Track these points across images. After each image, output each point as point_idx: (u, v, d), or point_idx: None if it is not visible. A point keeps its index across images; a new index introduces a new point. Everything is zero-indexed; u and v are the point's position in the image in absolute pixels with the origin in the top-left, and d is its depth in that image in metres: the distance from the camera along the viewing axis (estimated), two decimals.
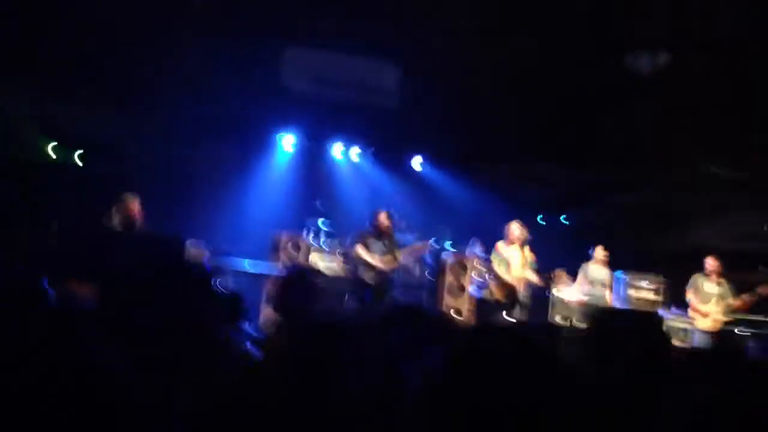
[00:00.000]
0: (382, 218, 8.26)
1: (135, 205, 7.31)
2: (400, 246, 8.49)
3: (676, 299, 9.46)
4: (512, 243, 8.41)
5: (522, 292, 8.37)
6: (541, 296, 10.11)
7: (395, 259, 8.21)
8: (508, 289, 8.31)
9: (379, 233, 8.23)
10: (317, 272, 8.49)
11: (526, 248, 8.49)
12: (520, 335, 2.95)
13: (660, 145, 11.20)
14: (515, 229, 8.43)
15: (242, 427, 1.84)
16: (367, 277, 8.13)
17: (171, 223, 8.55)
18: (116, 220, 7.21)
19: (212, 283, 2.95)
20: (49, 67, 9.08)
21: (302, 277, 5.18)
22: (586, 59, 10.64)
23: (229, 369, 2.26)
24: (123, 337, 2.24)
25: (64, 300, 3.85)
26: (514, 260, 8.37)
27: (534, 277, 8.50)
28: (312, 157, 11.35)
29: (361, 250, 8.16)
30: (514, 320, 8.54)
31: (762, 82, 9.26)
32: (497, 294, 8.39)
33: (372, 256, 8.11)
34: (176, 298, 2.40)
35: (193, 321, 2.37)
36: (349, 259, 9.12)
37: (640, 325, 2.61)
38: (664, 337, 2.58)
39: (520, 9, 9.46)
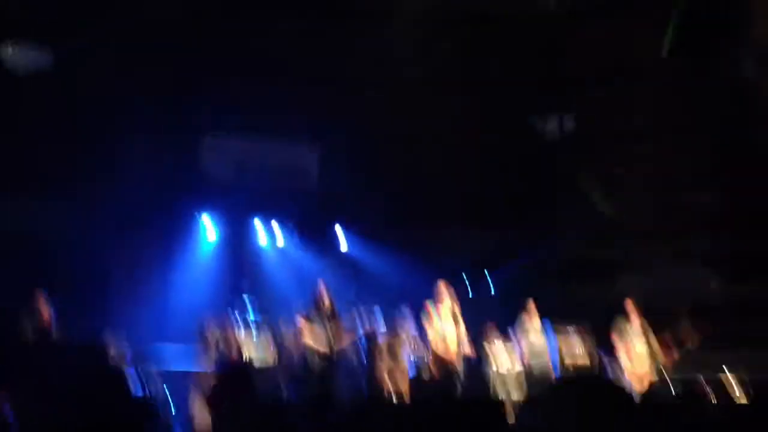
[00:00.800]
0: (324, 297, 7.96)
1: (45, 311, 6.99)
2: (342, 329, 8.25)
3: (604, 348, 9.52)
4: (442, 305, 8.27)
5: (459, 365, 8.25)
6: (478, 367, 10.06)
7: (339, 340, 7.94)
8: (445, 364, 8.19)
9: (320, 313, 7.91)
10: (249, 365, 8.19)
11: (459, 319, 8.47)
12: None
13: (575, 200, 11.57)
14: (443, 289, 8.30)
15: None
16: (310, 362, 7.77)
17: (93, 315, 8.20)
18: (29, 329, 6.89)
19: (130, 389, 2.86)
20: None
21: (234, 373, 4.98)
22: (498, 125, 11.00)
23: None
24: None
25: None
26: (448, 333, 8.26)
27: (469, 349, 8.43)
28: (236, 241, 11.13)
29: (302, 335, 7.82)
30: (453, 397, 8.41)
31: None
32: (434, 370, 8.23)
33: (315, 339, 7.77)
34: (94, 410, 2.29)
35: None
36: (284, 345, 8.83)
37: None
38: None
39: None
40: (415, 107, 10.53)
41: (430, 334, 8.31)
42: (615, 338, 8.97)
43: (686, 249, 11.62)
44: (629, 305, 9.29)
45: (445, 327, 8.26)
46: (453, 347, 8.16)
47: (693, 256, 11.67)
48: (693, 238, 11.42)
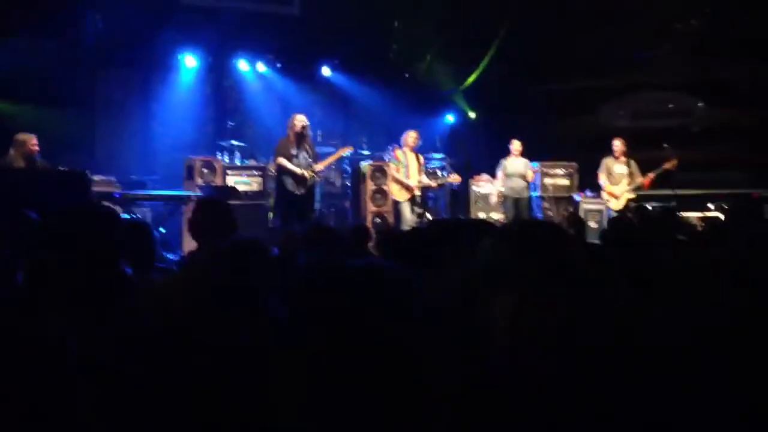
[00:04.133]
0: (300, 121, 7.96)
1: (33, 143, 7.02)
2: (320, 156, 8.34)
3: (589, 183, 9.78)
4: (408, 149, 8.59)
5: (419, 194, 8.62)
6: (459, 194, 10.32)
7: (317, 168, 8.04)
8: (408, 191, 8.54)
9: (299, 139, 7.93)
10: (235, 192, 8.35)
11: (420, 155, 8.79)
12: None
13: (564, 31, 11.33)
14: (410, 137, 8.59)
15: (155, 362, 1.80)
16: (292, 187, 7.90)
17: (75, 156, 8.22)
18: (15, 160, 6.94)
19: (119, 218, 2.83)
20: None
21: (217, 199, 5.06)
22: None
23: (139, 304, 2.19)
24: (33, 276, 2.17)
25: None
26: (411, 165, 8.56)
27: (429, 181, 8.78)
28: (217, 74, 10.95)
29: (283, 161, 7.90)
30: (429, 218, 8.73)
31: None
32: (399, 196, 8.58)
33: (296, 165, 7.89)
34: (82, 236, 2.30)
35: (100, 258, 2.28)
36: (268, 173, 8.97)
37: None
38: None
39: None
40: None
41: (395, 165, 8.62)
42: (599, 169, 9.14)
43: (669, 76, 11.57)
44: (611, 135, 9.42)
45: (409, 161, 8.56)
46: (415, 178, 8.49)
47: (675, 82, 11.65)
48: (676, 65, 11.34)
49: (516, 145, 9.41)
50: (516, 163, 9.43)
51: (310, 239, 3.84)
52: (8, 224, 3.44)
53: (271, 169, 8.61)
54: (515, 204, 9.30)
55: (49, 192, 5.94)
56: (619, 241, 3.82)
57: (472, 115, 12.48)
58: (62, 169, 6.76)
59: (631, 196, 8.98)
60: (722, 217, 8.38)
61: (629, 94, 12.07)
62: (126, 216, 7.16)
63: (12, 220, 3.46)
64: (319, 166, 8.08)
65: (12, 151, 7.00)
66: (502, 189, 9.42)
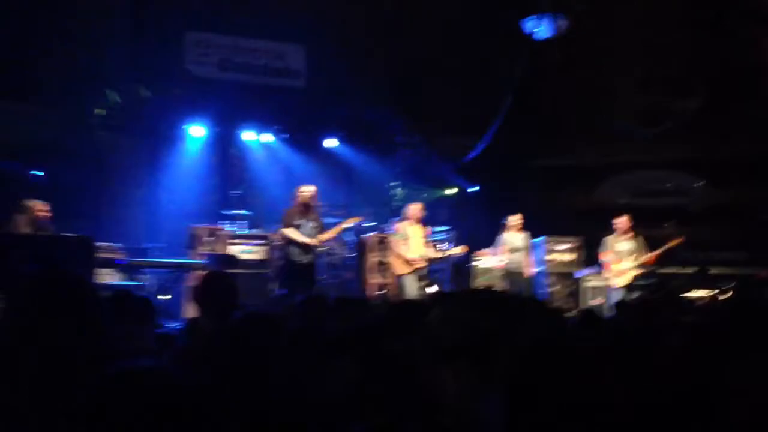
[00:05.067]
0: (306, 191, 8.01)
1: (39, 208, 7.08)
2: (326, 226, 8.35)
3: (590, 259, 9.78)
4: (412, 222, 8.52)
5: (424, 267, 8.50)
6: (462, 267, 10.30)
7: (323, 237, 8.05)
8: (411, 265, 8.44)
9: (305, 209, 7.97)
10: (236, 261, 8.35)
11: (425, 227, 8.71)
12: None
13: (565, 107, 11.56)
14: (415, 209, 8.56)
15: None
16: (297, 257, 7.89)
17: (81, 222, 8.26)
18: (21, 225, 6.98)
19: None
20: None
21: (222, 268, 5.09)
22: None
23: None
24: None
25: None
26: (414, 238, 8.48)
27: (433, 253, 8.68)
28: (223, 144, 11.10)
29: (288, 231, 7.92)
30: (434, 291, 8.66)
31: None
32: (401, 269, 8.46)
33: (301, 235, 7.90)
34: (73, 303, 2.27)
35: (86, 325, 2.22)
36: (272, 243, 8.97)
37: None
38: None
39: None
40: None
41: (397, 238, 8.51)
42: (600, 247, 9.15)
43: (668, 153, 11.74)
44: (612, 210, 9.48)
45: (413, 232, 8.47)
46: (419, 250, 8.38)
47: (675, 160, 11.81)
48: (675, 143, 11.52)
49: (513, 221, 9.39)
50: (516, 238, 9.43)
51: (336, 308, 3.87)
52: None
53: (277, 238, 8.63)
54: (516, 279, 9.25)
55: (52, 257, 5.95)
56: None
57: (472, 189, 12.58)
58: (67, 235, 6.80)
59: (637, 272, 8.96)
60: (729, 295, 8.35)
61: (627, 171, 12.20)
62: (125, 284, 7.19)
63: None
64: (325, 236, 8.10)
65: (18, 217, 7.06)
66: (504, 262, 9.39)
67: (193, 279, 8.01)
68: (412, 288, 8.37)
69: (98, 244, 7.10)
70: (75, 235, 7.06)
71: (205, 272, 4.51)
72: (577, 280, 9.90)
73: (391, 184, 11.66)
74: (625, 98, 11.52)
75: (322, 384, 2.13)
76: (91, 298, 2.15)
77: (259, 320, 2.37)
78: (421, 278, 8.45)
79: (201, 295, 3.75)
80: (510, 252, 9.35)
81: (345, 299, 4.24)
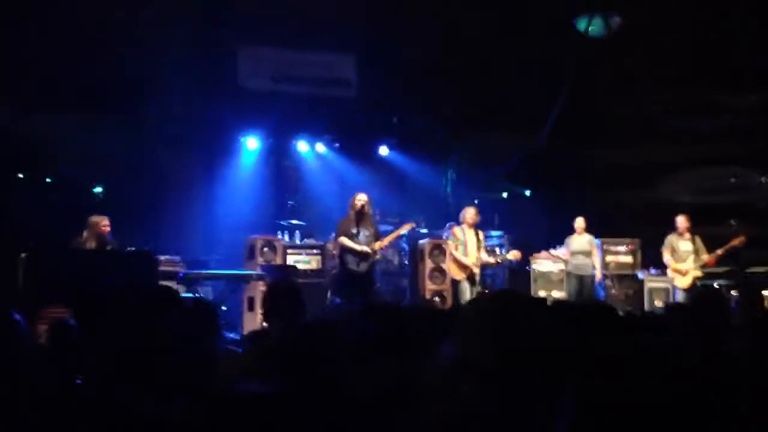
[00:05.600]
0: (360, 200, 8.08)
1: (104, 224, 7.29)
2: (381, 234, 8.39)
3: (650, 259, 9.57)
4: (467, 227, 8.47)
5: (478, 272, 8.44)
6: (518, 271, 10.19)
7: (379, 245, 8.10)
8: (466, 270, 8.39)
9: (360, 217, 8.03)
10: (295, 271, 8.44)
11: (480, 231, 8.63)
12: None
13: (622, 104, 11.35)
14: (469, 214, 8.49)
15: None
16: (353, 265, 7.95)
17: (141, 236, 8.46)
18: (88, 241, 7.21)
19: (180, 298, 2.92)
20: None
21: (287, 281, 5.13)
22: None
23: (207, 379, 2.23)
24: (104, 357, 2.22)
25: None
26: (469, 242, 8.43)
27: (488, 258, 8.59)
28: (278, 156, 11.24)
29: (344, 240, 8.00)
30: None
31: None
32: (457, 274, 8.43)
33: (357, 243, 7.96)
34: (146, 317, 2.38)
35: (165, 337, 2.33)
36: (327, 252, 9.05)
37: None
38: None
39: None
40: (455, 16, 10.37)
41: (453, 243, 8.46)
42: (663, 246, 8.96)
43: (730, 149, 11.41)
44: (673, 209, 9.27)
45: (468, 237, 8.40)
46: (474, 255, 8.31)
47: (738, 155, 11.47)
48: (736, 138, 11.19)
49: (580, 222, 9.35)
50: (580, 241, 9.33)
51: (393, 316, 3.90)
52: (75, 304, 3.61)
53: (332, 248, 8.69)
54: (579, 282, 9.16)
55: (117, 273, 6.11)
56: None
57: (526, 192, 12.44)
58: (130, 249, 6.96)
59: (699, 273, 8.74)
60: None
61: (688, 168, 11.90)
62: (189, 295, 7.31)
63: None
64: (380, 244, 8.13)
65: (85, 233, 7.29)
66: (564, 267, 9.31)
67: (251, 289, 8.16)
68: (467, 293, 8.34)
69: (158, 257, 7.26)
70: (137, 249, 7.28)
71: (273, 282, 4.55)
72: (637, 282, 9.71)
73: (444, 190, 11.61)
74: (681, 94, 11.25)
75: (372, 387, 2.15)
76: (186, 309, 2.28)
77: (327, 328, 2.42)
78: (475, 283, 8.41)
79: (270, 303, 3.79)
80: (572, 255, 9.29)
81: (402, 307, 4.24)
